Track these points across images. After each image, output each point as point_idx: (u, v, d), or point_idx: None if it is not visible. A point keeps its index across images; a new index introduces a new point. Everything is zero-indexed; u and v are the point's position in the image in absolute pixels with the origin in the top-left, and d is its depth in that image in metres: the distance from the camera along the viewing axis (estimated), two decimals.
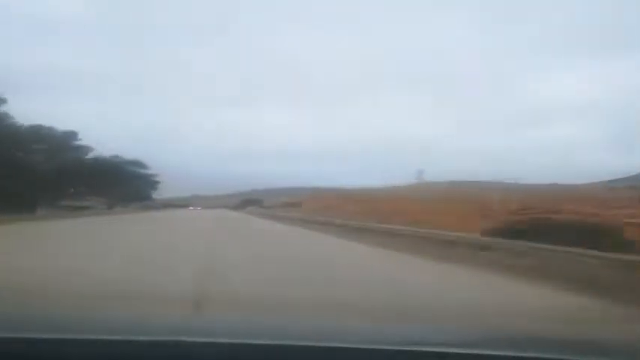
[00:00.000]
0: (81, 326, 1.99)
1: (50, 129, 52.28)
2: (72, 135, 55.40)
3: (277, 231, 26.74)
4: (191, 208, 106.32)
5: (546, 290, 7.91)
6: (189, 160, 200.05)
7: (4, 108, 42.87)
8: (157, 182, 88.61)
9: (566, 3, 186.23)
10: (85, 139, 57.26)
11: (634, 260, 9.41)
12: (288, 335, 1.83)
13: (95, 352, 1.56)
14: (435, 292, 7.77)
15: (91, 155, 59.34)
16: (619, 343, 2.22)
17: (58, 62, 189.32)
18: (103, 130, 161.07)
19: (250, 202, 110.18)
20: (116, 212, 61.96)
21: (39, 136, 49.64)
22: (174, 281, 7.76)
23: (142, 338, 1.65)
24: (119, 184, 72.22)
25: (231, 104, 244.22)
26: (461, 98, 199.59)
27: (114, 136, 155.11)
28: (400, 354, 1.54)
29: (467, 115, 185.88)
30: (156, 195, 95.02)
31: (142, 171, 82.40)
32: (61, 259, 10.88)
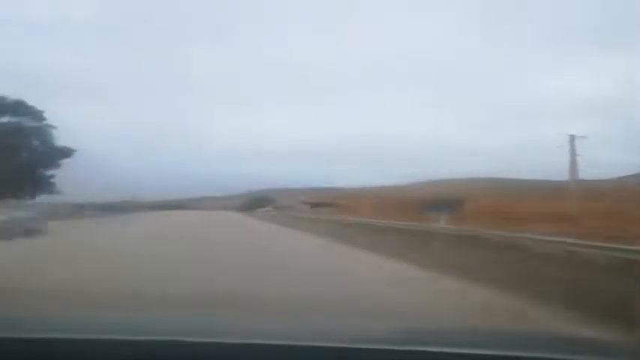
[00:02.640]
0: (81, 326, 2.00)
1: None
2: None
3: None
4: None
5: None
6: (180, 161, 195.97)
7: None
8: (66, 153, 41.56)
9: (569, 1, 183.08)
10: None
11: None
12: (288, 335, 1.83)
13: (95, 352, 1.57)
14: None
15: None
16: (619, 343, 2.22)
17: (64, 64, 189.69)
18: (105, 129, 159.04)
19: (260, 201, 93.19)
20: None
21: None
22: None
23: (142, 338, 1.66)
24: None
25: (231, 103, 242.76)
26: (465, 96, 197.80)
27: (111, 137, 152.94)
28: (399, 354, 1.55)
29: (470, 113, 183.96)
30: (72, 188, 45.81)
31: (30, 123, 37.52)
32: None
